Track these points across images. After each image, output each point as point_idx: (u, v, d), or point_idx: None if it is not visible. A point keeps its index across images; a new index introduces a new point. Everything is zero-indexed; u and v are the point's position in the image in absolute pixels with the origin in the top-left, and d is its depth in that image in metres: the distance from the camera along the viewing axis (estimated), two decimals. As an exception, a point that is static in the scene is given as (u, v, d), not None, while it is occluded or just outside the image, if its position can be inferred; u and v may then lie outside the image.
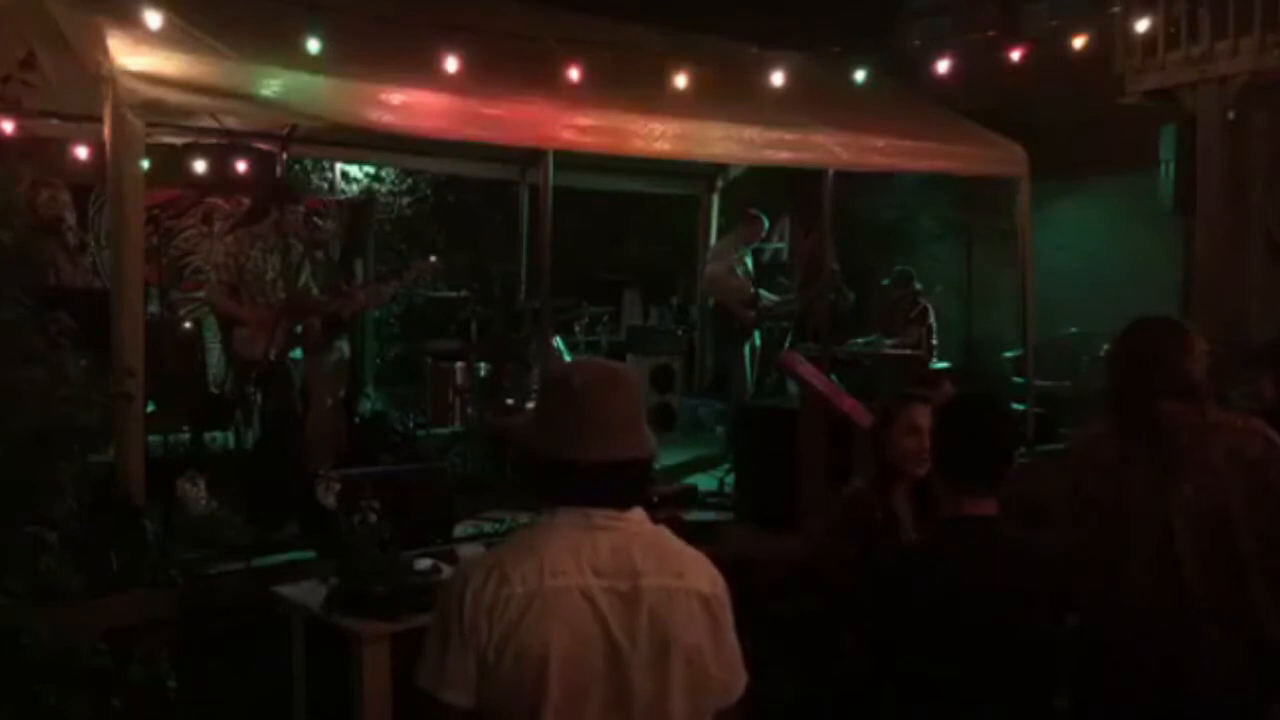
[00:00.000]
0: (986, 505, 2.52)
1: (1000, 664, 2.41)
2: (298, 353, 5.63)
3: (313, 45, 4.89)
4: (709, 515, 5.77)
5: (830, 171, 7.17)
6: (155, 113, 4.72)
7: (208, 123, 6.39)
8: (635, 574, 1.85)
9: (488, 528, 5.23)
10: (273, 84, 4.78)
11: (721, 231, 9.17)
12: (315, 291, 5.75)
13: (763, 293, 8.13)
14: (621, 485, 1.89)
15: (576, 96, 5.62)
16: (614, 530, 1.87)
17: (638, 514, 1.92)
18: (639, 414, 1.94)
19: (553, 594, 1.80)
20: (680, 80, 5.81)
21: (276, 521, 4.99)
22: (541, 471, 1.92)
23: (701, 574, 1.94)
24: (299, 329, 5.59)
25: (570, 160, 6.19)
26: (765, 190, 8.79)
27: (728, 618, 1.94)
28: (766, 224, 8.17)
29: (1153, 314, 2.90)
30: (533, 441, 1.94)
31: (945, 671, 2.43)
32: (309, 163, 8.92)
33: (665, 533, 1.95)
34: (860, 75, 6.58)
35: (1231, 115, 7.31)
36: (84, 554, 3.37)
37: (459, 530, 5.03)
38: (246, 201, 7.87)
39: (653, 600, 1.84)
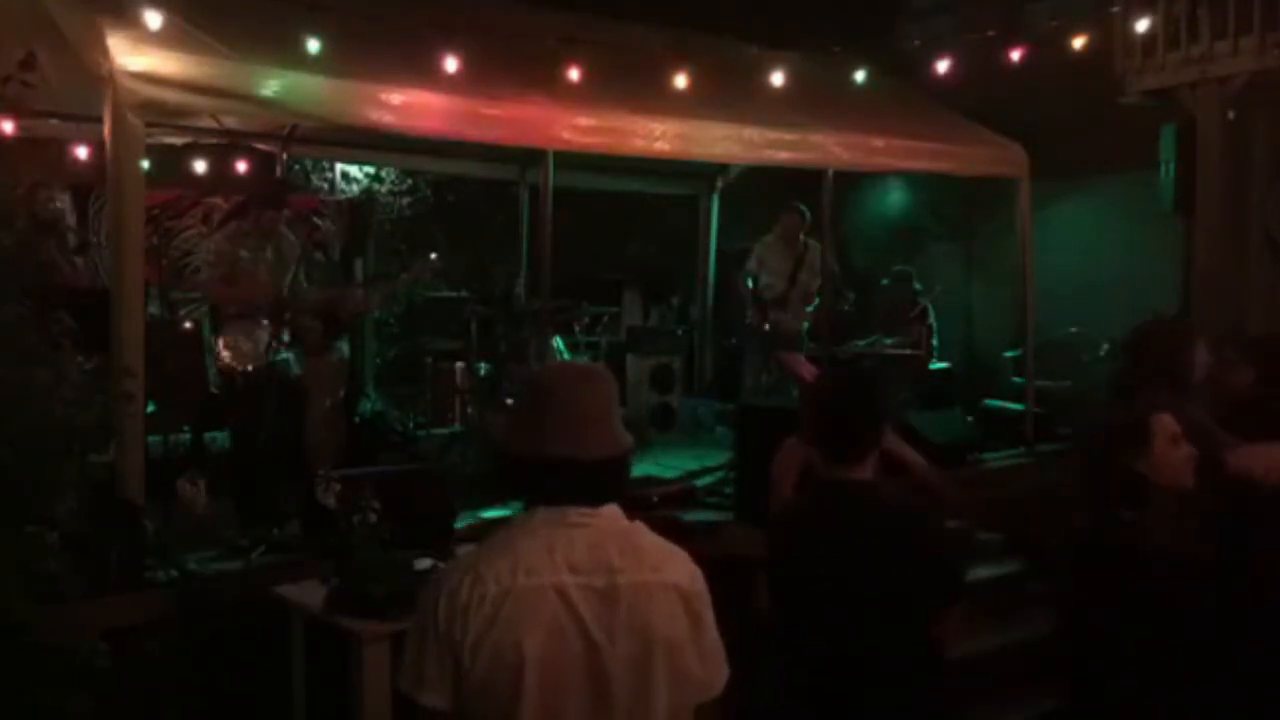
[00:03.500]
0: (859, 470, 2.77)
1: (863, 618, 2.64)
2: (285, 354, 5.63)
3: (313, 45, 4.89)
4: (709, 515, 5.77)
5: (830, 171, 7.18)
6: (155, 113, 4.72)
7: (208, 123, 6.39)
8: (612, 570, 1.84)
9: (489, 523, 5.23)
10: (273, 84, 4.78)
11: (721, 231, 9.19)
12: (305, 287, 5.75)
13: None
14: (596, 482, 1.89)
15: (576, 96, 5.62)
16: (588, 527, 1.87)
17: (611, 510, 1.91)
18: (610, 410, 1.94)
19: (526, 592, 1.79)
20: (680, 80, 5.82)
21: (276, 521, 5.00)
22: (517, 471, 1.93)
23: (680, 568, 1.93)
24: (285, 336, 5.59)
25: (570, 160, 6.19)
26: (765, 190, 8.79)
27: (707, 613, 1.93)
28: (808, 215, 7.93)
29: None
30: (508, 440, 1.95)
31: (813, 623, 2.71)
32: (309, 163, 8.91)
33: (640, 528, 1.95)
34: (860, 75, 6.58)
35: (1231, 115, 7.30)
36: (84, 554, 3.38)
37: (459, 530, 5.03)
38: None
39: (631, 596, 1.83)
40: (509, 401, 6.69)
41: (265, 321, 5.48)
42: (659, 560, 1.90)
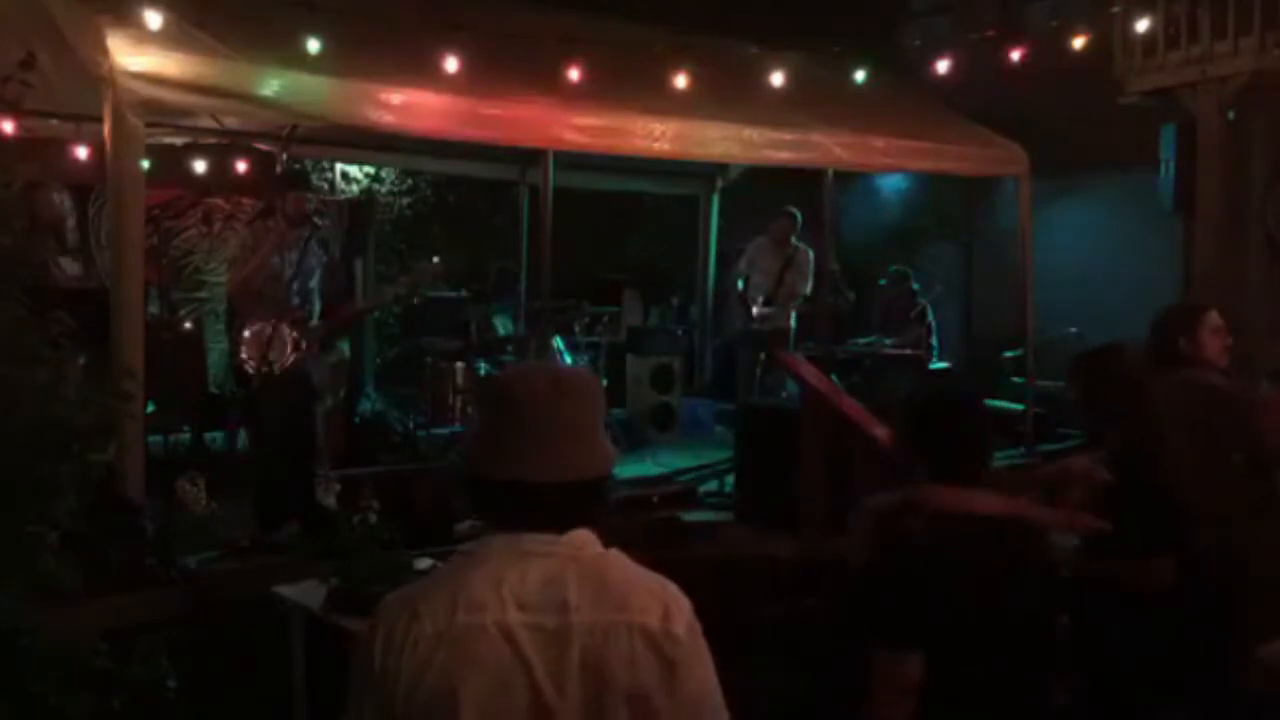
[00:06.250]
0: (979, 498, 2.61)
1: (986, 648, 2.48)
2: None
3: (313, 45, 4.90)
4: (709, 515, 5.77)
5: (830, 171, 7.18)
6: (155, 113, 4.73)
7: (208, 123, 6.39)
8: (565, 608, 1.59)
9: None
10: (273, 84, 4.79)
11: (721, 231, 9.21)
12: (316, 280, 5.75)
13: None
14: (566, 507, 1.66)
15: (576, 96, 5.62)
16: (548, 556, 1.63)
17: (581, 536, 1.66)
18: (592, 425, 1.69)
19: (464, 632, 1.57)
20: (680, 80, 5.81)
21: (276, 522, 5.00)
22: (477, 492, 1.71)
23: (652, 607, 1.63)
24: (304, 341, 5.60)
25: (570, 160, 6.20)
26: (765, 190, 8.79)
27: (688, 656, 1.63)
28: (800, 220, 8.09)
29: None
30: (470, 458, 1.72)
31: (937, 653, 2.49)
32: (309, 163, 8.91)
33: (614, 558, 1.68)
34: (860, 75, 6.58)
35: (1231, 115, 7.31)
36: (84, 554, 3.37)
37: (459, 530, 5.03)
38: (246, 201, 7.91)
39: (586, 639, 1.59)
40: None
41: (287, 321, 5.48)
42: (625, 597, 1.63)
